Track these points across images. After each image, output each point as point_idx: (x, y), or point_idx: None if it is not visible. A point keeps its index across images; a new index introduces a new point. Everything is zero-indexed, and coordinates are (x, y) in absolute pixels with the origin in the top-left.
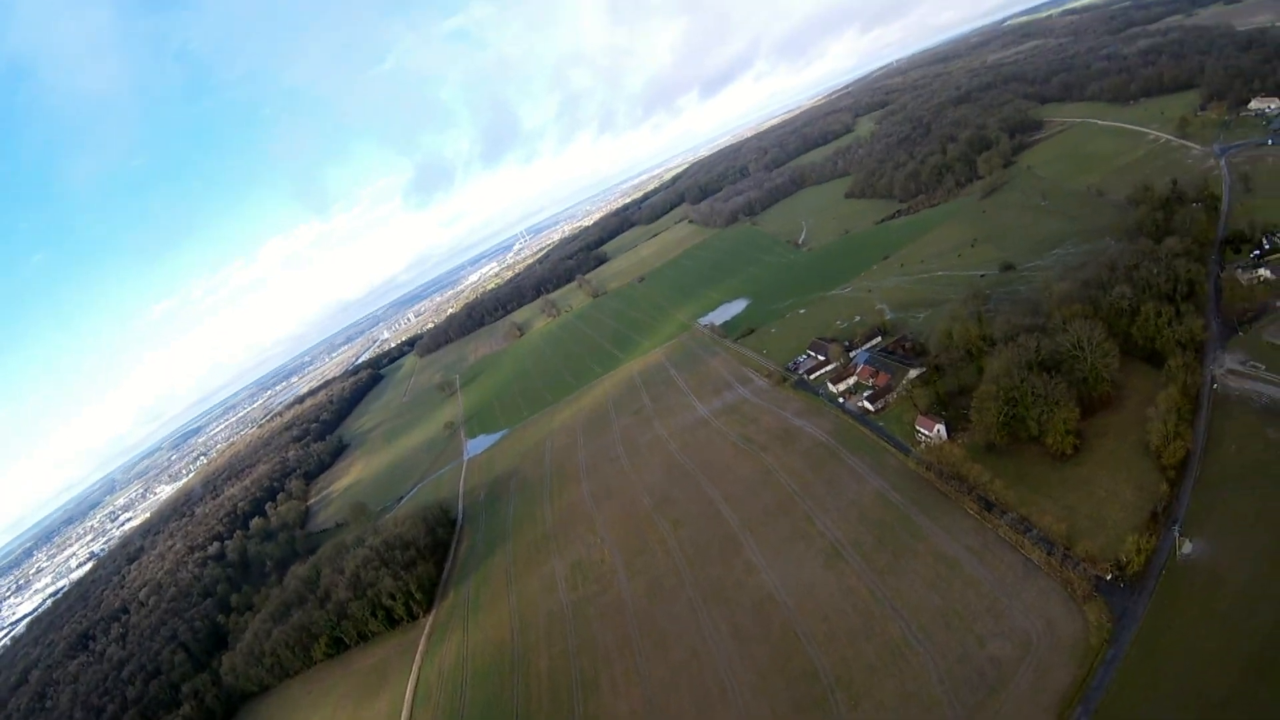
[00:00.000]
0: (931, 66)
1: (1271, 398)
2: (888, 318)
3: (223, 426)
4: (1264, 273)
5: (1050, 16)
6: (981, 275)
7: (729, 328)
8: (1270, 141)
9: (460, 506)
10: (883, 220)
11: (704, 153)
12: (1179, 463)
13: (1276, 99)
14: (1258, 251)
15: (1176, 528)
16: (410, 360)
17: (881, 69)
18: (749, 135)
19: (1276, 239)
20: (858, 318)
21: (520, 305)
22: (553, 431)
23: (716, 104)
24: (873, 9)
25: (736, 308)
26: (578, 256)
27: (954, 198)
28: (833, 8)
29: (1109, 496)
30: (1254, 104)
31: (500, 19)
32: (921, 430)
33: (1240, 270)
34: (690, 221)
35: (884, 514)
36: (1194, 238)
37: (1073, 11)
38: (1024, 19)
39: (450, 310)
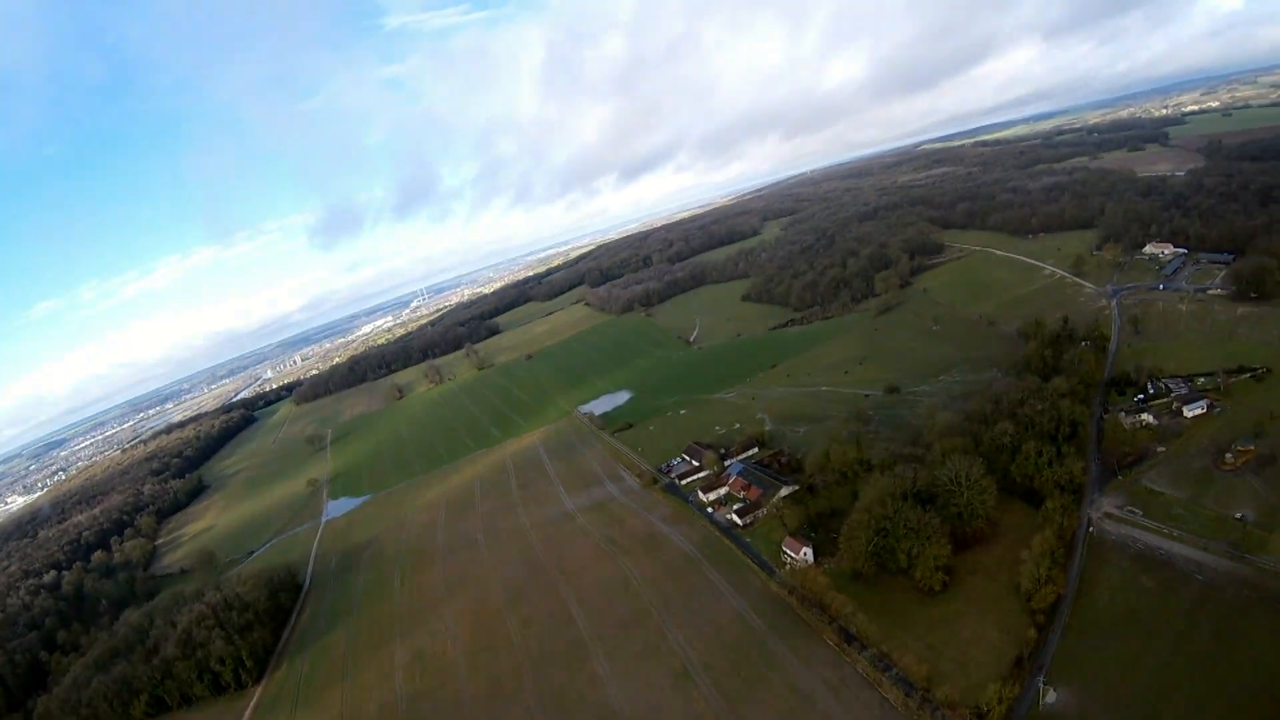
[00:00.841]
0: (844, 180)
1: (1147, 544)
2: (767, 429)
3: (88, 443)
4: (1147, 418)
5: (963, 146)
6: (866, 395)
7: (609, 419)
8: (1162, 286)
9: (309, 571)
10: (776, 327)
11: (613, 236)
12: (1049, 607)
13: (1170, 245)
14: (1142, 396)
15: (1041, 676)
16: (286, 407)
17: (796, 177)
18: (659, 225)
19: (1161, 384)
20: (737, 425)
21: (405, 366)
22: (417, 505)
23: (633, 190)
24: (798, 119)
25: (619, 399)
26: (470, 324)
27: (848, 312)
28: (760, 113)
29: (974, 638)
30: (1149, 248)
31: (438, 74)
32: (788, 552)
33: (1124, 414)
34: (587, 304)
35: (741, 636)
36: (1080, 378)
37: (985, 144)
38: (938, 145)
39: (336, 359)
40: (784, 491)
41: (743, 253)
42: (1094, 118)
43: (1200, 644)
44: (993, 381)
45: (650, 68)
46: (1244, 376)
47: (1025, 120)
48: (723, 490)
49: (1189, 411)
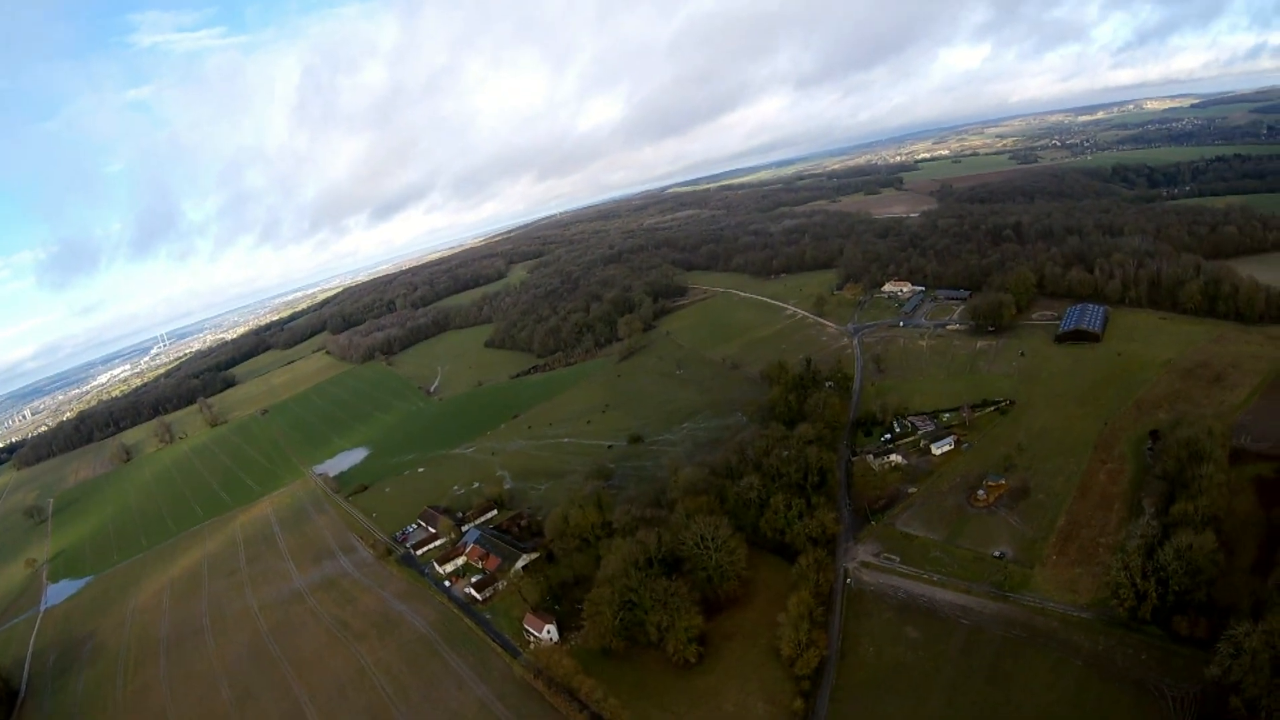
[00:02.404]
0: (592, 222)
1: (908, 592)
2: (507, 487)
3: None
4: (896, 458)
5: (709, 190)
6: (609, 445)
7: (344, 480)
8: (902, 323)
9: (25, 674)
10: (518, 375)
11: (362, 278)
12: (814, 671)
13: (909, 284)
14: (889, 436)
15: None
16: (6, 472)
17: (546, 219)
18: (408, 266)
19: (907, 423)
20: (476, 484)
21: (135, 423)
22: (141, 587)
23: (385, 229)
24: (552, 160)
25: (356, 457)
26: (205, 375)
27: (592, 358)
28: (515, 153)
29: (739, 712)
30: (888, 287)
31: (187, 99)
32: (530, 630)
33: (872, 456)
34: (328, 352)
35: None
36: (826, 422)
37: (730, 188)
38: (686, 189)
39: (68, 414)
40: (523, 560)
41: (487, 297)
42: (834, 164)
43: (975, 692)
44: (738, 428)
45: (409, 100)
46: (988, 409)
47: (770, 165)
48: (460, 560)
49: (937, 449)
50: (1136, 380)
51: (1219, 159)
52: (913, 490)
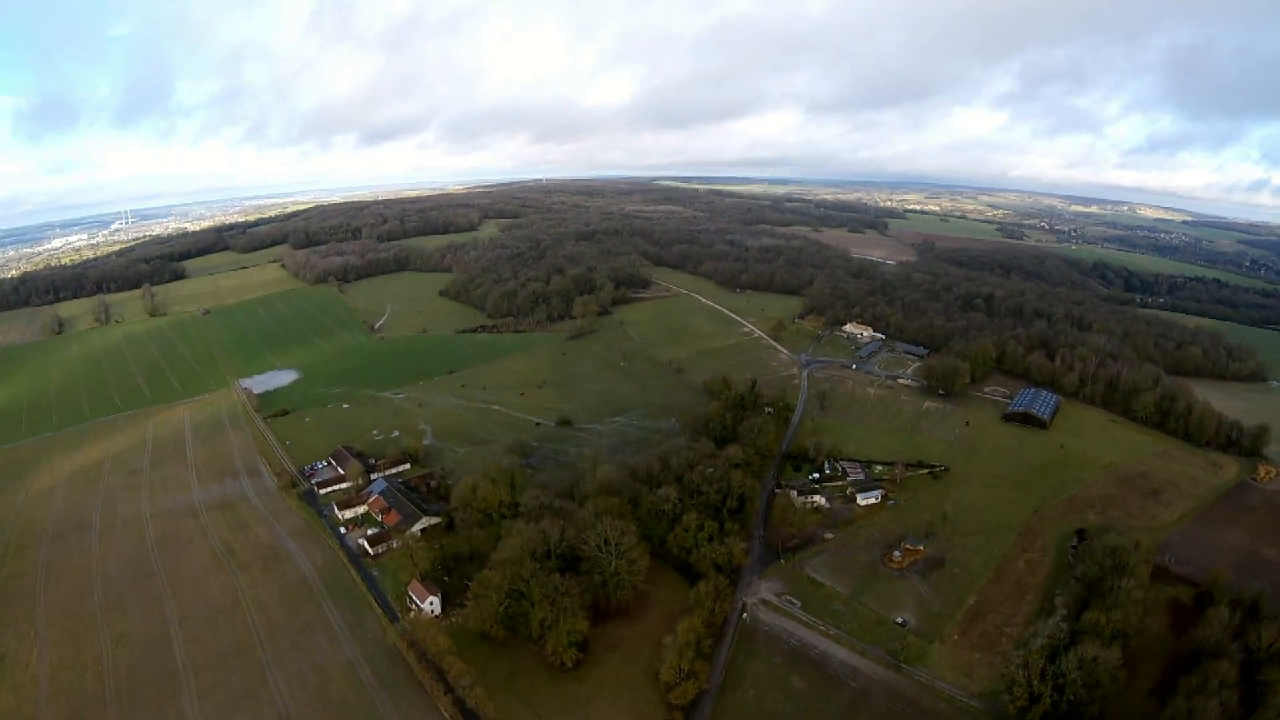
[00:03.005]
0: (575, 196)
1: (802, 641)
2: (426, 443)
3: None
4: (819, 500)
5: (697, 190)
6: (537, 423)
7: (267, 401)
8: (855, 366)
9: None
10: (464, 331)
11: (338, 199)
12: (689, 703)
13: (870, 330)
14: (817, 475)
15: None
16: None
17: (531, 182)
18: (384, 198)
19: (838, 466)
20: (396, 433)
21: (75, 296)
22: (40, 469)
23: (371, 156)
24: (550, 124)
25: (285, 378)
26: (155, 263)
27: (542, 330)
28: (517, 110)
29: None
30: (849, 327)
31: None
32: (414, 598)
33: (796, 492)
34: (283, 266)
35: (347, 693)
36: (757, 448)
37: (719, 194)
38: (675, 183)
39: (13, 272)
40: (423, 523)
41: (452, 246)
42: (825, 194)
43: None
44: (668, 434)
45: (425, 33)
46: (921, 471)
47: (763, 181)
48: (361, 509)
49: (863, 499)
50: (1074, 476)
51: (1198, 279)
52: (829, 536)
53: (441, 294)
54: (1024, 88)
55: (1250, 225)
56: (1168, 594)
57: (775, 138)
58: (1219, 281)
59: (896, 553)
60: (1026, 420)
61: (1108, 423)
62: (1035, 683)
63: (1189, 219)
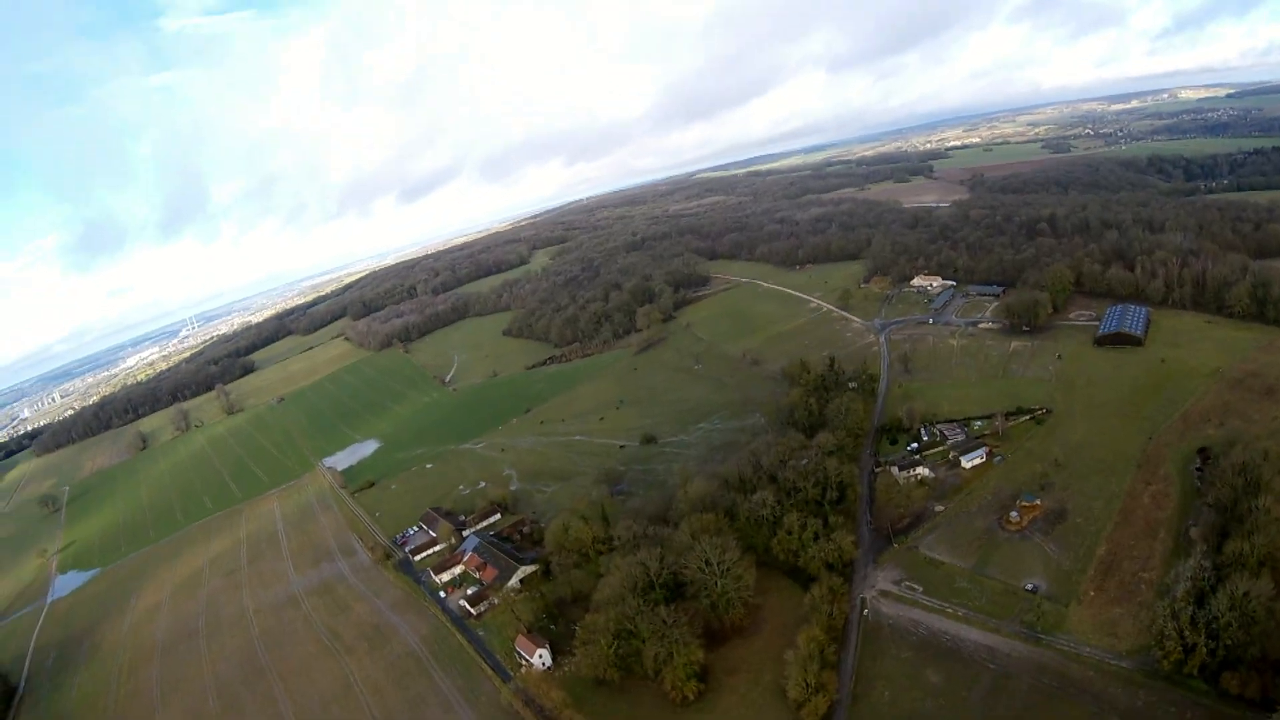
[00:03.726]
0: (618, 208)
1: (930, 628)
2: (513, 488)
3: None
4: (922, 471)
5: (736, 175)
6: (621, 446)
7: (351, 475)
8: (931, 320)
9: (25, 669)
10: (534, 366)
11: (391, 260)
12: (822, 718)
13: (939, 278)
14: (915, 445)
15: None
16: (25, 459)
17: (572, 204)
18: (434, 250)
19: (935, 431)
20: (482, 484)
21: (153, 410)
22: (143, 584)
23: (413, 212)
24: (579, 144)
25: (366, 450)
26: (225, 362)
27: (609, 349)
28: (543, 137)
29: None
30: (917, 281)
31: (214, 81)
32: (522, 653)
33: (897, 468)
34: (347, 339)
35: None
36: (848, 429)
37: (758, 174)
38: (713, 174)
39: (96, 396)
40: (520, 573)
41: (507, 284)
42: (864, 150)
43: None
44: (755, 431)
45: (436, 77)
46: (1023, 419)
47: (799, 152)
48: (457, 569)
49: (967, 462)
50: (1182, 390)
51: (1258, 151)
52: (940, 508)
53: (505, 334)
54: None
55: None
56: None
57: (801, 106)
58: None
59: (1013, 513)
60: (1120, 340)
61: (1204, 325)
62: (1187, 632)
63: (1232, 91)
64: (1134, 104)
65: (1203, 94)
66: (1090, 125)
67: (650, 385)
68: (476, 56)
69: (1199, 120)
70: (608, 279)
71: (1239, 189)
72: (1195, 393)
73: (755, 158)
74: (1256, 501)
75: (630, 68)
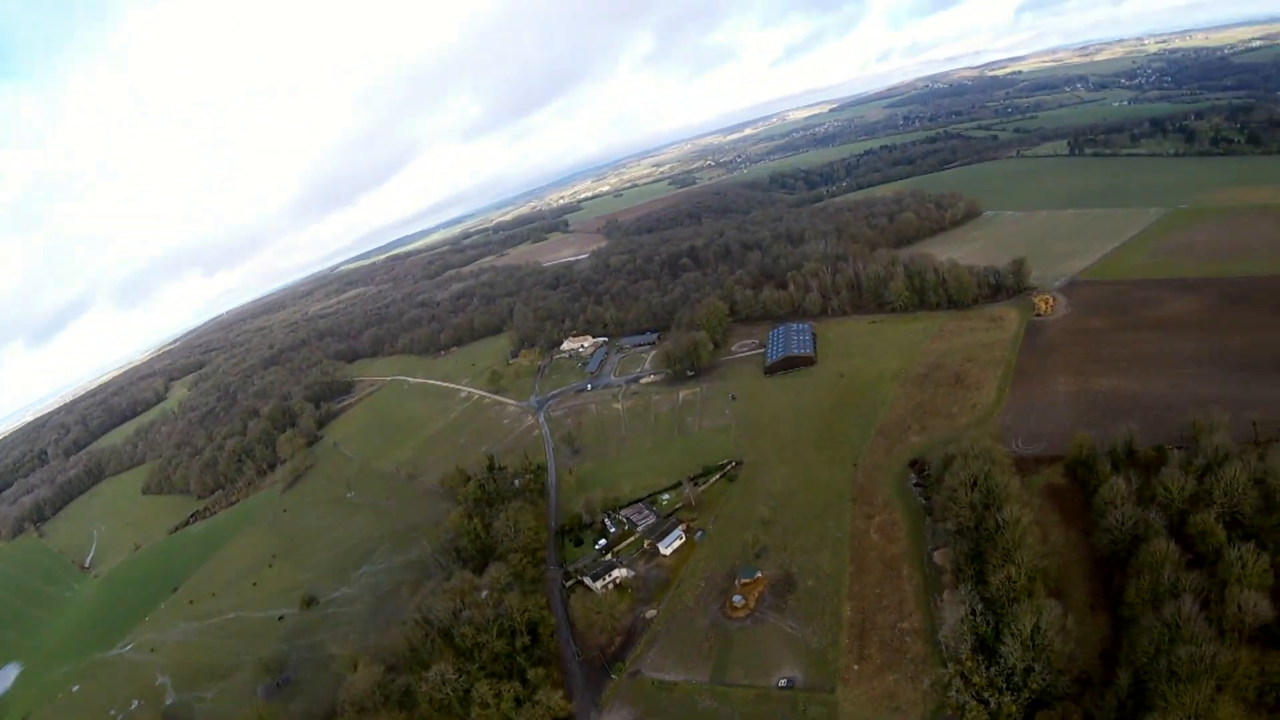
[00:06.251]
0: (258, 318)
1: None
2: (168, 703)
3: None
4: (620, 573)
5: (375, 263)
6: (280, 617)
7: None
8: (590, 386)
9: None
10: (178, 528)
11: (30, 417)
12: None
13: (589, 338)
14: (603, 542)
15: None
16: None
17: (214, 320)
18: (76, 397)
19: (622, 519)
20: (135, 703)
21: None
22: None
23: (48, 353)
24: (219, 252)
25: (7, 678)
26: None
27: (255, 490)
28: (179, 251)
29: None
30: (567, 345)
31: None
32: None
33: (591, 578)
34: None
35: None
36: (523, 549)
37: (398, 258)
38: (355, 265)
39: None
40: None
41: (141, 430)
42: (501, 216)
43: None
44: (423, 570)
45: (57, 195)
46: (714, 479)
47: (440, 227)
48: None
49: (666, 547)
50: (871, 403)
51: (868, 152)
52: (652, 613)
53: (145, 492)
54: (660, 42)
55: (889, 90)
56: (1037, 484)
57: (441, 179)
58: (886, 147)
59: (736, 597)
60: (791, 364)
61: (871, 327)
62: (989, 696)
63: (834, 106)
64: (748, 131)
65: (809, 113)
66: (711, 157)
67: (304, 527)
68: (101, 172)
69: (809, 135)
70: (245, 405)
71: (859, 188)
72: (885, 402)
73: (397, 240)
74: (1001, 514)
75: (263, 163)
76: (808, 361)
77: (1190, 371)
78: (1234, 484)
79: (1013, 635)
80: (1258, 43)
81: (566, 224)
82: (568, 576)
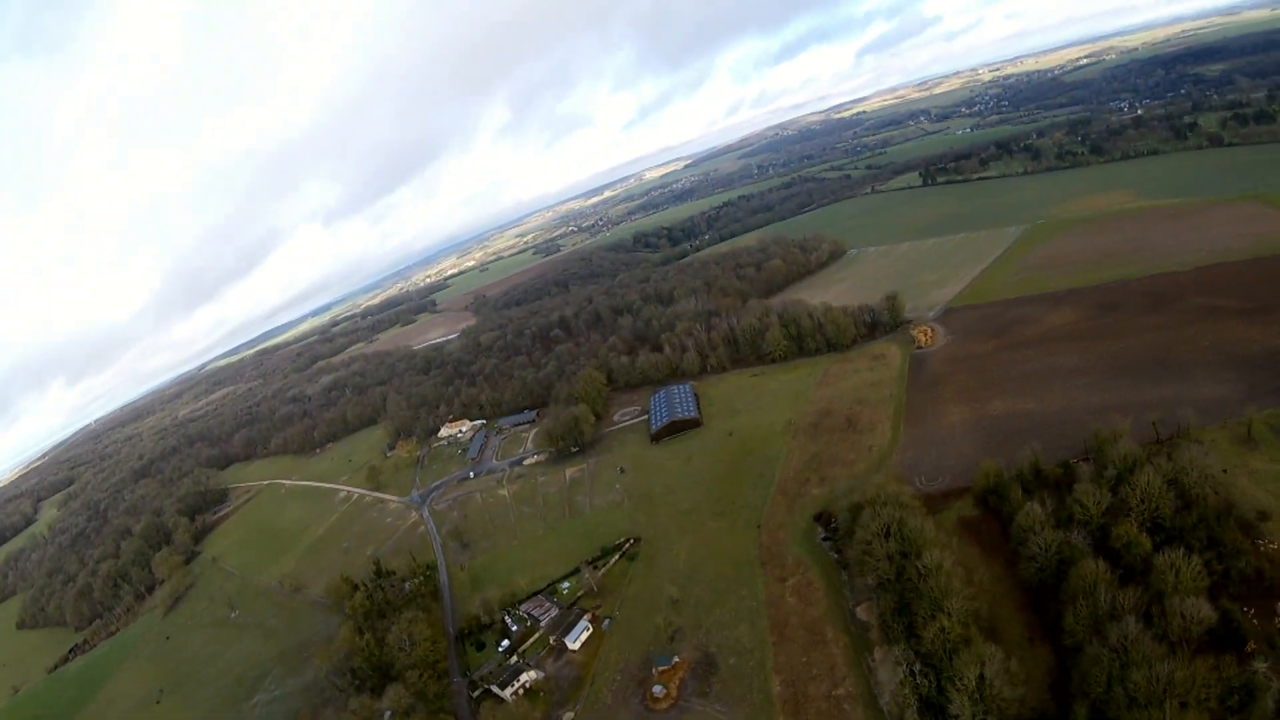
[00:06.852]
0: (127, 426)
1: None
2: None
3: None
4: (529, 676)
5: (244, 359)
6: None
7: None
8: (473, 474)
9: None
10: (57, 665)
11: None
12: None
13: (467, 421)
14: (506, 642)
15: None
16: None
17: (81, 430)
18: None
19: (524, 615)
20: None
21: None
22: None
23: None
24: (81, 358)
25: None
26: None
27: (135, 617)
28: (36, 359)
29: None
30: (445, 431)
31: None
32: None
33: (498, 686)
34: None
35: None
36: (421, 664)
37: (266, 352)
38: (224, 362)
39: None
40: None
41: (11, 558)
42: (369, 300)
43: None
44: (319, 694)
45: None
46: (613, 560)
47: (308, 316)
48: None
49: (573, 641)
50: (765, 460)
51: (727, 204)
52: (570, 716)
53: (20, 627)
54: (516, 113)
55: (741, 141)
56: (949, 520)
57: (305, 266)
58: (744, 196)
59: (656, 687)
60: (677, 429)
61: (752, 380)
62: None
63: (689, 162)
64: (607, 194)
65: (666, 170)
66: (574, 222)
67: (189, 656)
68: None
69: (668, 192)
70: (117, 524)
71: (722, 239)
72: (779, 457)
73: (265, 333)
74: (921, 562)
75: (116, 257)
76: (693, 424)
77: (1079, 383)
78: (1149, 489)
79: (957, 690)
80: (1084, 61)
81: (434, 303)
82: (473, 686)
